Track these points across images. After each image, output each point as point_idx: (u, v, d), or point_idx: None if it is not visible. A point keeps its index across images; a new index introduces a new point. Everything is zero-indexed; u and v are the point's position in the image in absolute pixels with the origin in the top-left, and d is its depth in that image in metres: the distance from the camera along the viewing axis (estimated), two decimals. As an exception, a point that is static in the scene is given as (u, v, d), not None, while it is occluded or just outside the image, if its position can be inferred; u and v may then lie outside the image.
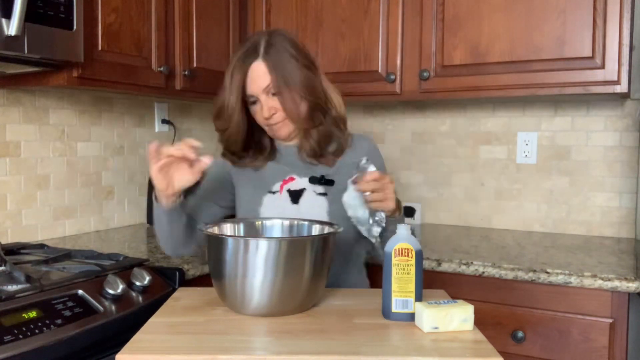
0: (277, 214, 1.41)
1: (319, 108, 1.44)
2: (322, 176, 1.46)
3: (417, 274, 1.09)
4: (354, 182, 1.27)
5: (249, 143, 1.49)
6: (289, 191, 1.46)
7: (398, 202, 1.32)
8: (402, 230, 1.11)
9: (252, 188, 1.48)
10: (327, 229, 1.21)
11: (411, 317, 1.08)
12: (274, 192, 1.46)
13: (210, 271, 1.15)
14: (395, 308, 1.09)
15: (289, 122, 1.42)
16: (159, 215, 1.34)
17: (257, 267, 1.05)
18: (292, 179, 1.47)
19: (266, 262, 1.05)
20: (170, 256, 1.47)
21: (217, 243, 1.11)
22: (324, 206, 1.44)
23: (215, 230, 1.21)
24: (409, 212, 2.50)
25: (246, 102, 1.42)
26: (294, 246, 1.08)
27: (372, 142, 1.56)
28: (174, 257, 1.48)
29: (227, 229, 1.25)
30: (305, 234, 1.26)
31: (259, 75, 1.39)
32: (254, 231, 1.28)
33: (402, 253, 1.09)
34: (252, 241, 1.07)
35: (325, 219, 1.41)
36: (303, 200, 1.45)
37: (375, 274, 1.87)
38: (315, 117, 1.44)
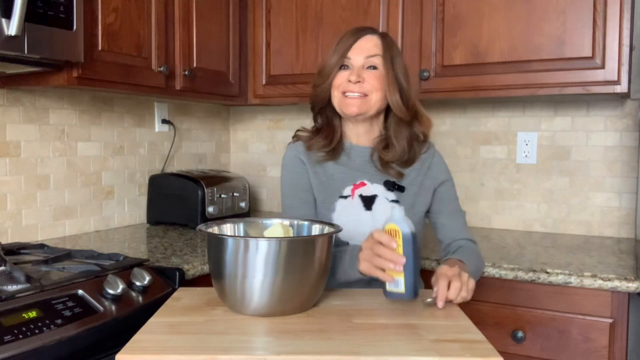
0: (351, 220, 1.39)
1: (408, 106, 1.44)
2: (395, 182, 1.45)
3: (407, 254, 1.11)
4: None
5: (322, 114, 1.50)
6: (361, 197, 1.43)
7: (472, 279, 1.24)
8: (396, 212, 1.15)
9: (324, 193, 1.46)
10: (327, 229, 1.21)
11: (402, 296, 1.14)
12: (345, 197, 1.44)
13: (210, 271, 1.15)
14: (388, 287, 1.14)
15: (367, 100, 1.40)
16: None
17: (257, 267, 1.05)
18: (363, 184, 1.44)
19: (266, 262, 1.05)
20: None
21: (217, 243, 1.11)
22: None
23: (215, 230, 1.21)
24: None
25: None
26: (294, 246, 1.08)
27: (437, 153, 1.54)
28: None
29: (227, 229, 1.25)
30: (305, 234, 1.26)
31: (371, 44, 1.42)
32: (254, 231, 1.27)
33: (390, 234, 1.13)
34: (252, 241, 1.07)
35: None
36: (376, 206, 1.42)
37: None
38: (407, 109, 1.43)
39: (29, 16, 1.42)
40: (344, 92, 1.41)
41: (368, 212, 1.42)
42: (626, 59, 1.81)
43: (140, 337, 0.99)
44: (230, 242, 1.08)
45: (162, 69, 1.94)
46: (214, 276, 1.14)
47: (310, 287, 1.12)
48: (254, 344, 0.99)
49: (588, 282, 1.58)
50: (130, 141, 2.34)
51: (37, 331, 1.15)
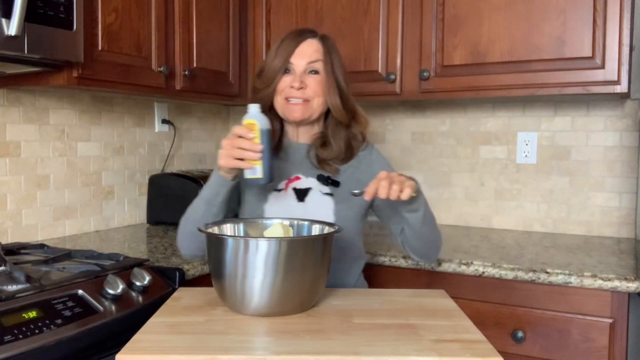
0: (283, 211, 1.41)
1: (347, 108, 1.47)
2: (329, 176, 1.47)
3: (264, 143, 1.24)
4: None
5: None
6: (295, 189, 1.46)
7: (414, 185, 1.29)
8: (252, 108, 1.28)
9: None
10: (327, 229, 1.21)
11: (260, 180, 1.26)
12: (279, 190, 1.46)
13: (210, 271, 1.15)
14: (247, 175, 1.26)
15: (309, 106, 1.43)
16: (216, 195, 1.35)
17: (257, 267, 1.05)
18: (297, 178, 1.47)
19: (266, 262, 1.05)
20: (183, 255, 1.48)
21: (217, 243, 1.11)
22: (331, 205, 1.44)
23: (215, 230, 1.21)
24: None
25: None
26: (294, 246, 1.08)
27: (375, 150, 1.56)
28: (191, 256, 1.49)
29: (227, 229, 1.25)
30: (305, 234, 1.26)
31: (312, 49, 1.44)
32: (254, 231, 1.27)
33: (248, 128, 1.25)
34: (252, 241, 1.07)
35: (331, 218, 1.42)
36: (309, 198, 1.45)
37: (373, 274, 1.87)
38: (346, 112, 1.46)
39: (29, 16, 1.42)
40: (286, 98, 1.44)
41: (300, 203, 1.44)
42: (626, 59, 1.81)
43: (140, 337, 0.99)
44: (230, 242, 1.08)
45: (162, 69, 1.94)
46: (214, 276, 1.14)
47: (311, 287, 1.12)
48: (254, 344, 0.99)
49: (588, 282, 1.58)
50: (130, 141, 2.34)
51: (37, 331, 1.15)
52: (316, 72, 1.43)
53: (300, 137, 1.52)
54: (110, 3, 1.75)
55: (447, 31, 2.04)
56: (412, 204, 1.34)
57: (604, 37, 1.81)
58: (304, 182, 1.47)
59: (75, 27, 1.56)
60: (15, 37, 1.39)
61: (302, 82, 1.41)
